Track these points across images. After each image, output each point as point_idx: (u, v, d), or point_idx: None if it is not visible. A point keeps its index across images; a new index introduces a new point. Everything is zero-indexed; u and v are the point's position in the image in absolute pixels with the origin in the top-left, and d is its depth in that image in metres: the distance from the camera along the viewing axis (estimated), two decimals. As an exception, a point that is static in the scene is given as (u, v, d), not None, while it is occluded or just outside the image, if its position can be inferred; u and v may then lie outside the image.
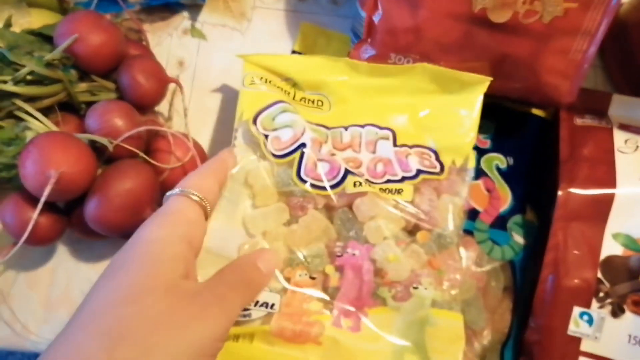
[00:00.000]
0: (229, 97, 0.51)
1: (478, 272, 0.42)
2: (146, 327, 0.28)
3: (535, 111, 0.49)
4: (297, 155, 0.39)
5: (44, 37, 0.44)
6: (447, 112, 0.42)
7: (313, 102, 0.43)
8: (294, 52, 0.51)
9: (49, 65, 0.41)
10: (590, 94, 0.47)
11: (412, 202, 0.40)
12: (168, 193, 0.35)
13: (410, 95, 0.43)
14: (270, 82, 0.42)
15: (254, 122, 0.40)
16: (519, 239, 0.44)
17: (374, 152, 0.41)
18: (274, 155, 0.39)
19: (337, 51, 0.50)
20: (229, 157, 0.39)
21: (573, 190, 0.42)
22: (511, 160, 0.46)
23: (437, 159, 0.41)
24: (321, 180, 0.39)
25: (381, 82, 0.43)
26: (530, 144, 0.48)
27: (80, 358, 0.27)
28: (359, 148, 0.41)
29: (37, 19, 0.46)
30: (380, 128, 0.42)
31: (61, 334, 0.28)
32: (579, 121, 0.46)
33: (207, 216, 0.36)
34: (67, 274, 0.45)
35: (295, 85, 0.43)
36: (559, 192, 0.42)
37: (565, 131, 0.45)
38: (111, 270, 0.31)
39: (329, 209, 0.40)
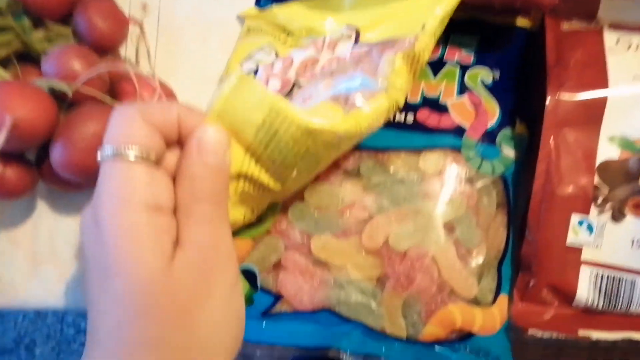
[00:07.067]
0: (196, 39, 0.48)
1: (468, 189, 0.40)
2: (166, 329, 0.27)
3: (521, 22, 0.46)
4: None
5: (-6, -11, 0.42)
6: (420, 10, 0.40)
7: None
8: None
9: (-3, 13, 0.39)
10: (576, -4, 0.45)
11: None
12: (102, 154, 0.28)
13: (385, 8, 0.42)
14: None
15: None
16: (509, 152, 0.42)
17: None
18: None
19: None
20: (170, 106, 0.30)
21: (562, 95, 0.40)
22: (497, 74, 0.44)
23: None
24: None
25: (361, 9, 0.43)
26: (517, 56, 0.45)
27: None
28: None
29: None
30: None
31: None
32: (565, 26, 0.44)
33: (157, 161, 0.29)
34: (49, 229, 0.44)
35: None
36: (547, 99, 0.40)
37: (551, 37, 0.43)
38: (98, 280, 0.28)
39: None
